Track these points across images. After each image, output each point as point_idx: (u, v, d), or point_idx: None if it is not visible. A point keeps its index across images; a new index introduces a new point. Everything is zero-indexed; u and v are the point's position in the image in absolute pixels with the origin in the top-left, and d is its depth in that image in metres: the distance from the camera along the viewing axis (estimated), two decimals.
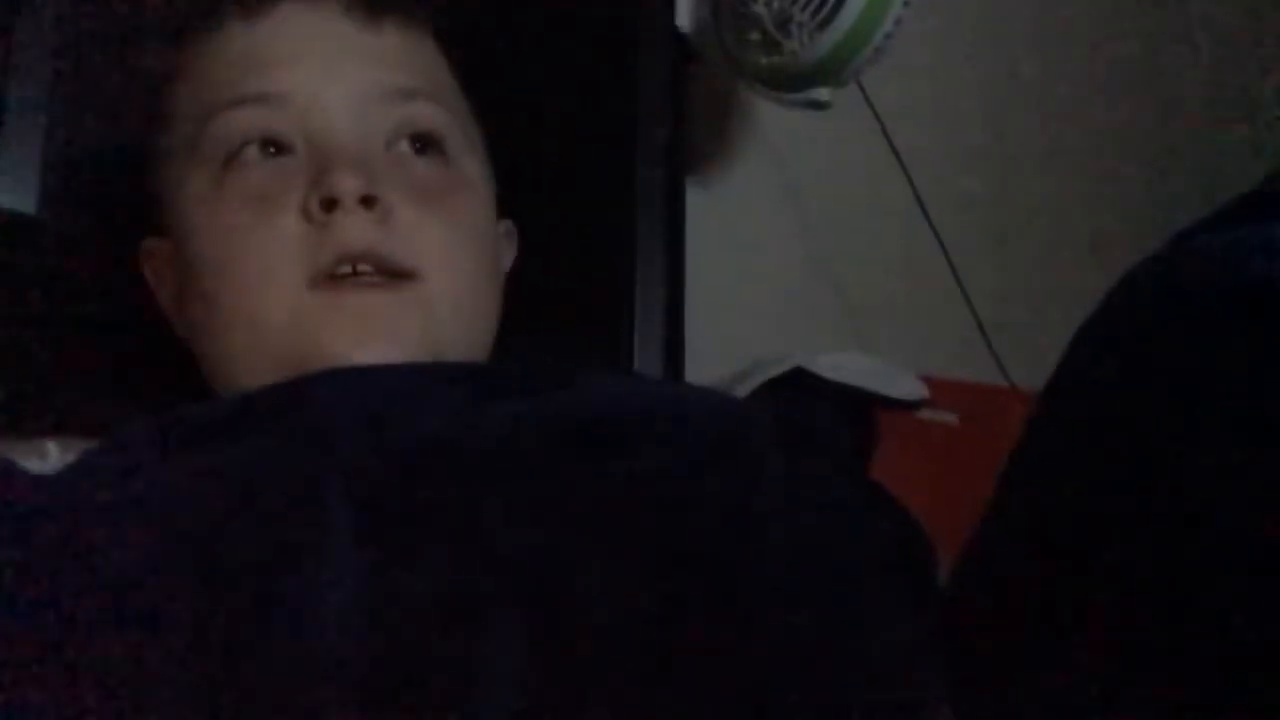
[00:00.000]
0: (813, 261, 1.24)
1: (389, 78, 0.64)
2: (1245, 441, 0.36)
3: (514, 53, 0.71)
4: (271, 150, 0.62)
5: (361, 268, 0.60)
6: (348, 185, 0.59)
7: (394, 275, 0.60)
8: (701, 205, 1.07)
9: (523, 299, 0.72)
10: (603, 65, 0.97)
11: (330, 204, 0.59)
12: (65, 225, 0.78)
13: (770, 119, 1.16)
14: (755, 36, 0.96)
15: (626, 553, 0.46)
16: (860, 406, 0.67)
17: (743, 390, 0.66)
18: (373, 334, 0.59)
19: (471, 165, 0.67)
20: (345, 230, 0.59)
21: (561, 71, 0.93)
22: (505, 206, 0.72)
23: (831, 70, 0.95)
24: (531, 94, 0.72)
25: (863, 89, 1.05)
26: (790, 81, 0.97)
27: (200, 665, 0.42)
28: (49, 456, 0.55)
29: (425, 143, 0.64)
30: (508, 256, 0.73)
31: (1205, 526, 0.37)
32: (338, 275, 0.59)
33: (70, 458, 0.54)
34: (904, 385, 0.69)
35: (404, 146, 0.64)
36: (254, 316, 0.60)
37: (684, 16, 1.02)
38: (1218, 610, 0.36)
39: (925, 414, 0.76)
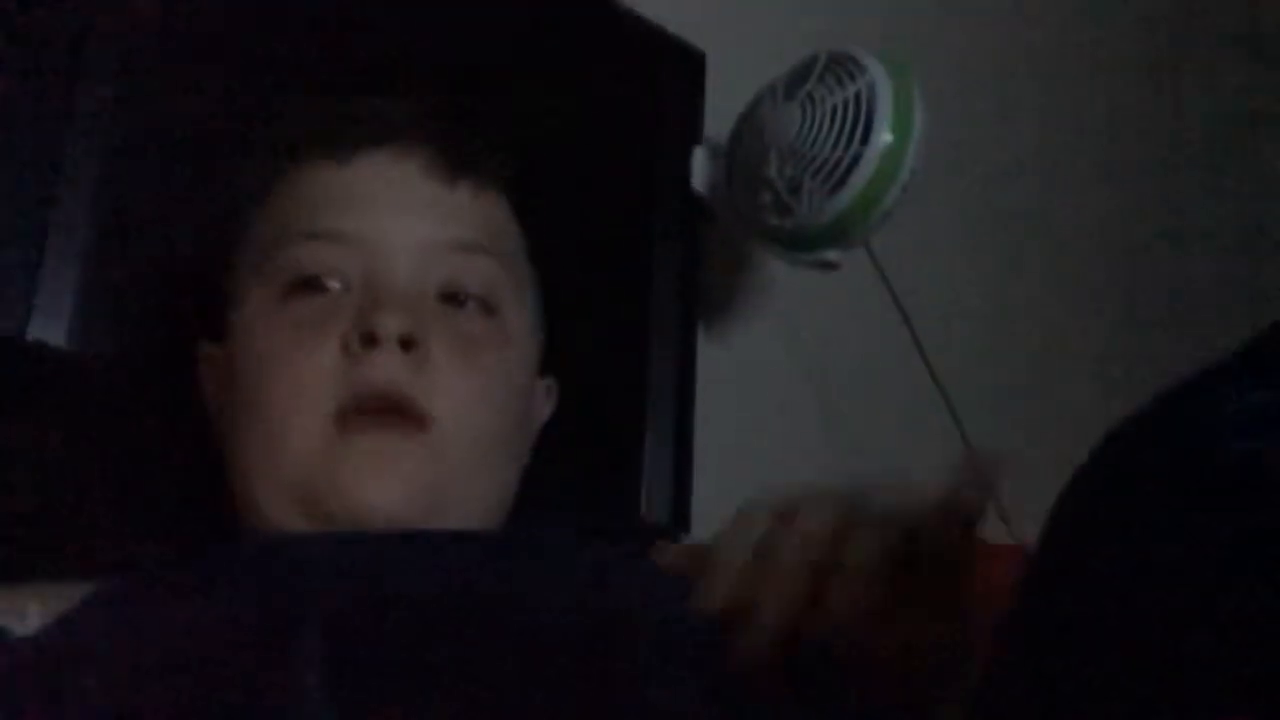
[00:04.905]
0: (819, 414, 1.25)
1: (453, 232, 0.68)
2: (1239, 629, 0.36)
3: (533, 212, 0.74)
4: (332, 284, 0.65)
5: (389, 399, 0.62)
6: (390, 325, 0.62)
7: (411, 421, 0.62)
8: (713, 358, 1.09)
9: (536, 446, 0.74)
10: (620, 223, 1.01)
11: (369, 339, 0.62)
12: (95, 358, 0.80)
13: (780, 276, 1.18)
14: (767, 199, 1.00)
15: None
16: None
17: None
18: (381, 474, 0.61)
19: (518, 321, 0.70)
20: (376, 367, 0.62)
21: (581, 228, 0.96)
22: None
23: (840, 233, 0.99)
24: (551, 250, 0.75)
25: (870, 251, 1.09)
26: (800, 243, 1.01)
27: None
28: (28, 619, 0.56)
29: (475, 296, 0.67)
30: (543, 412, 0.75)
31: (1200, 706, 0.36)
32: (362, 412, 0.62)
33: (50, 617, 0.55)
34: None
35: (455, 297, 0.67)
36: (277, 442, 0.63)
37: (699, 179, 1.06)
38: None
39: None
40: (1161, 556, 0.38)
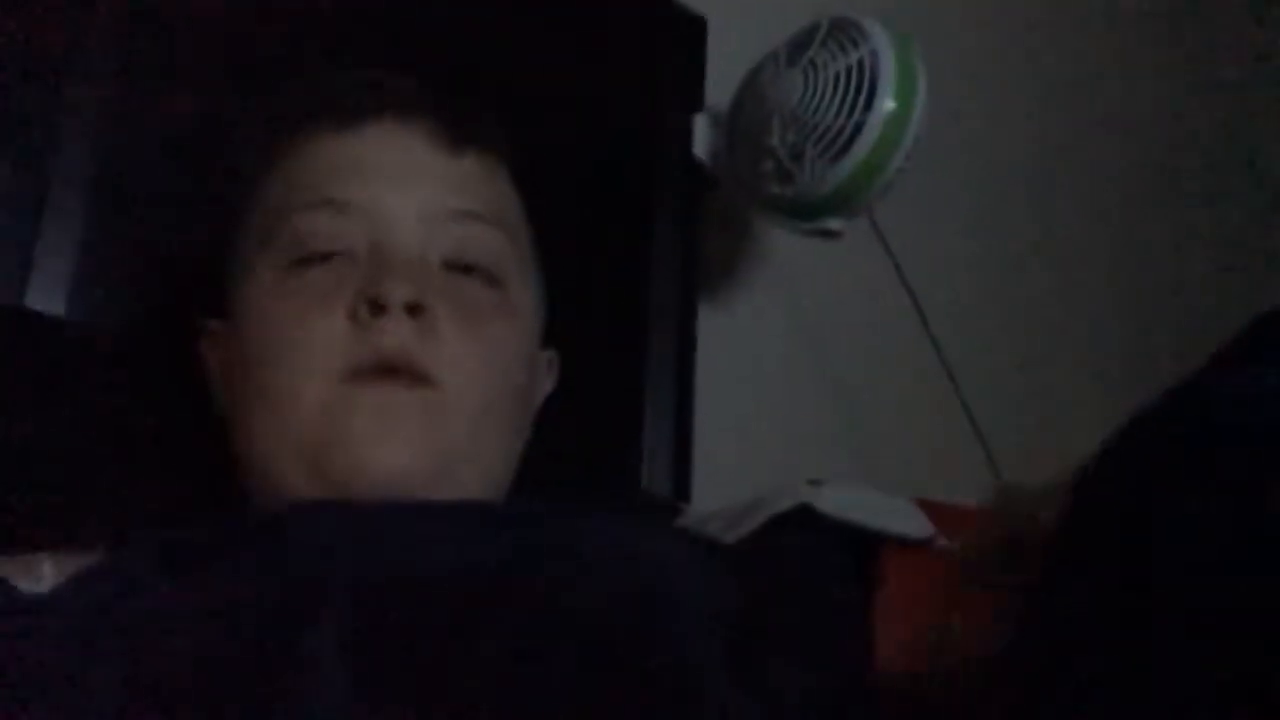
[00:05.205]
0: (820, 384, 1.25)
1: (458, 201, 0.68)
2: (1240, 626, 0.36)
3: (533, 180, 0.73)
4: (337, 252, 0.66)
5: (397, 365, 0.63)
6: (397, 293, 0.63)
7: (417, 380, 0.63)
8: (713, 327, 1.09)
9: (537, 418, 0.73)
10: (621, 192, 1.00)
11: (377, 308, 0.63)
12: (94, 328, 0.80)
13: (782, 245, 1.18)
14: (769, 167, 0.99)
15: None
16: (866, 543, 0.67)
17: (746, 527, 0.66)
18: (385, 431, 0.61)
19: (521, 293, 0.70)
20: (385, 334, 0.62)
21: (581, 197, 0.96)
22: None
23: (842, 202, 0.98)
24: (551, 218, 0.74)
25: (873, 220, 1.08)
26: (802, 211, 1.00)
27: None
28: (44, 577, 0.56)
29: (480, 266, 0.67)
30: (545, 384, 0.75)
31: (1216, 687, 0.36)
32: (369, 372, 0.62)
33: (63, 578, 0.55)
34: (911, 522, 0.69)
35: (459, 266, 0.67)
36: (286, 406, 0.63)
37: (700, 146, 1.05)
38: None
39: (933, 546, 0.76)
40: (1162, 555, 0.38)
